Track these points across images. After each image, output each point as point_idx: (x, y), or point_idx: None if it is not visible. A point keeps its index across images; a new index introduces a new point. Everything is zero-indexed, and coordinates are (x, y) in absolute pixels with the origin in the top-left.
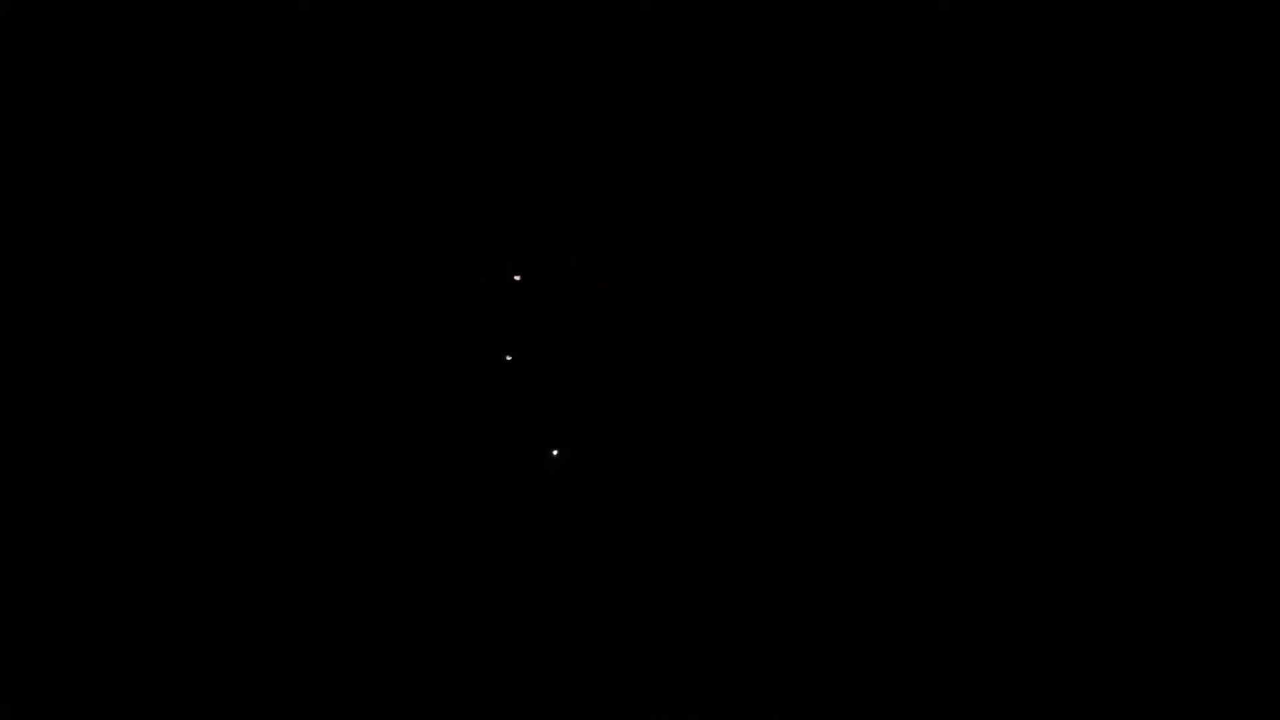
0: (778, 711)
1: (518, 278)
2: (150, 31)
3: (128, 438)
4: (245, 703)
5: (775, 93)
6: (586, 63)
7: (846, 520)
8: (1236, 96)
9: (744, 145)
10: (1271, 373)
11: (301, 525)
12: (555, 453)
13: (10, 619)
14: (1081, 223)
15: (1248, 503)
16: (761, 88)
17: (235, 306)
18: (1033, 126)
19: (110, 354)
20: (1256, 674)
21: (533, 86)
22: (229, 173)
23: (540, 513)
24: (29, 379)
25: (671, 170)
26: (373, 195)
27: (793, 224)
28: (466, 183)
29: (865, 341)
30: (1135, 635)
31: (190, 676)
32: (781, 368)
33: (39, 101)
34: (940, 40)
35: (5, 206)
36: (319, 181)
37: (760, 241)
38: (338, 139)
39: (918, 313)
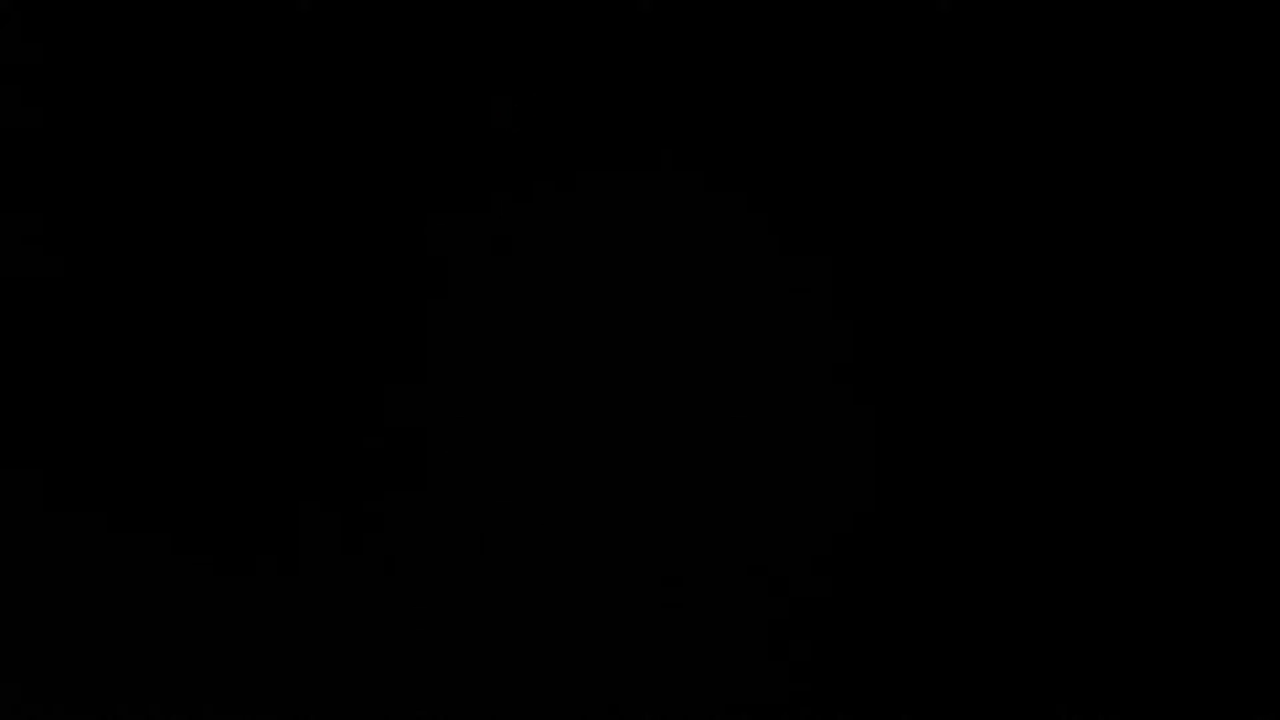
0: (774, 706)
1: None
2: (148, 30)
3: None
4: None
5: (774, 93)
6: (586, 62)
7: (842, 517)
8: (1237, 97)
9: (743, 145)
10: (1272, 373)
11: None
12: None
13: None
14: (1083, 225)
15: (1248, 503)
16: (761, 88)
17: (232, 306)
18: (1034, 128)
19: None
20: (1255, 673)
21: (532, 86)
22: (225, 172)
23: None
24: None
25: (671, 171)
26: (370, 194)
27: (790, 224)
28: (464, 182)
29: (864, 341)
30: (1135, 631)
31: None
32: (773, 368)
33: (35, 101)
34: (940, 40)
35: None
36: (316, 181)
37: (759, 242)
38: (336, 138)
39: (915, 314)
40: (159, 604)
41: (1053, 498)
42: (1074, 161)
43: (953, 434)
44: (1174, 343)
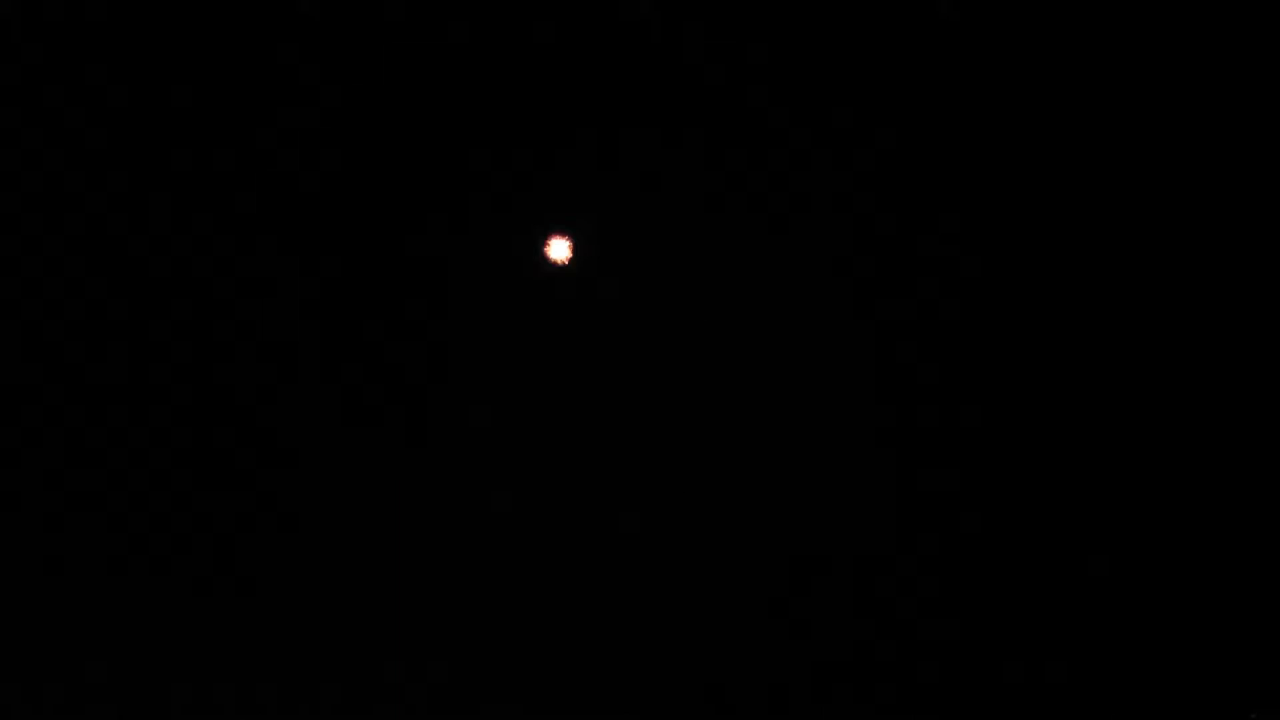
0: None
1: None
2: (147, 30)
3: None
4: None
5: (774, 93)
6: (586, 62)
7: (848, 519)
8: (1237, 98)
9: (743, 145)
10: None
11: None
12: None
13: None
14: (1083, 225)
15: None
16: (760, 88)
17: (232, 306)
18: (1033, 128)
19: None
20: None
21: (532, 86)
22: (225, 172)
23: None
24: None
25: (671, 170)
26: (370, 194)
27: (793, 224)
28: (464, 183)
29: (870, 342)
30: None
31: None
32: (780, 365)
33: (39, 101)
34: (940, 41)
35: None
36: (316, 181)
37: (759, 242)
38: (337, 138)
39: (920, 314)
40: (158, 603)
41: (1054, 497)
42: (1074, 161)
43: (954, 434)
44: (1174, 342)
